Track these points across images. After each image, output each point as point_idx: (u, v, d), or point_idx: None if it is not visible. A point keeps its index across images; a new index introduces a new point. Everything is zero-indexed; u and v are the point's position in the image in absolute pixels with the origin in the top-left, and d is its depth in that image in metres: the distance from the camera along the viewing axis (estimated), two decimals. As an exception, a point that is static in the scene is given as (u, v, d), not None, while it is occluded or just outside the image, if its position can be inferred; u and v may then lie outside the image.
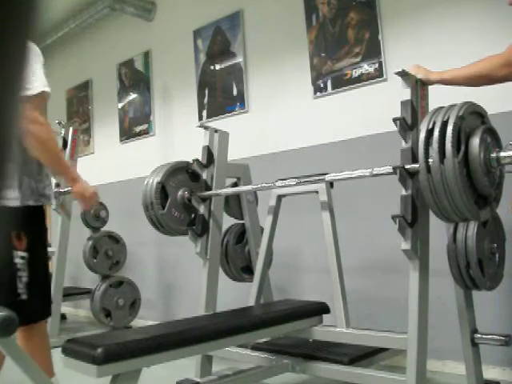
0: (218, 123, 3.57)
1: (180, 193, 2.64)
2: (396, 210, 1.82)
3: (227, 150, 2.68)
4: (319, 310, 2.31)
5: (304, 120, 3.32)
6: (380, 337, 2.07)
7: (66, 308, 5.00)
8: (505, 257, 2.10)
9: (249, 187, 2.56)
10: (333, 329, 2.23)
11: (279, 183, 2.33)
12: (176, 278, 4.15)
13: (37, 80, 1.70)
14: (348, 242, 2.72)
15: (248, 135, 3.62)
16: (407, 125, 1.83)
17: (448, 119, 1.63)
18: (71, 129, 3.98)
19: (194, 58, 4.07)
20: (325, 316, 2.32)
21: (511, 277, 2.25)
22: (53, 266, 3.84)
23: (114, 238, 4.13)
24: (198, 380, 2.27)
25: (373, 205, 2.88)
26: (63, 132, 4.04)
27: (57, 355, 1.77)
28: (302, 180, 2.26)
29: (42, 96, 1.73)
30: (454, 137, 1.60)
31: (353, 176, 2.01)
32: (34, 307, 1.76)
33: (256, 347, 2.41)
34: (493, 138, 1.71)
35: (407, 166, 1.78)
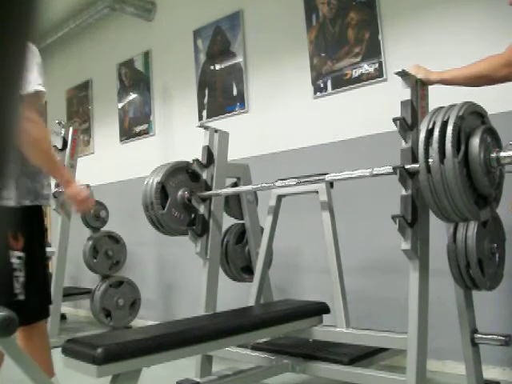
0: (218, 123, 3.57)
1: (180, 193, 2.64)
2: (396, 209, 1.82)
3: (227, 150, 2.68)
4: (319, 309, 2.31)
5: (304, 120, 3.32)
6: (380, 337, 2.07)
7: (66, 308, 5.00)
8: (505, 257, 2.10)
9: (249, 187, 2.56)
10: (333, 329, 2.23)
11: (279, 183, 2.33)
12: (176, 278, 4.15)
13: (32, 79, 1.69)
14: (348, 242, 2.72)
15: (248, 135, 3.62)
16: (407, 125, 1.83)
17: (448, 119, 1.63)
18: (71, 129, 3.98)
19: (194, 58, 4.07)
20: (325, 316, 2.32)
21: (511, 277, 2.25)
22: (53, 265, 3.85)
23: (114, 238, 4.13)
24: (198, 380, 2.27)
25: (373, 205, 2.88)
26: (63, 132, 4.04)
27: (57, 355, 1.77)
28: (302, 180, 2.26)
29: (37, 95, 1.70)
30: (454, 137, 1.60)
31: (353, 176, 2.01)
32: (31, 307, 1.75)
33: (256, 347, 2.41)
34: (493, 138, 1.71)
35: (407, 166, 1.78)
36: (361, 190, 2.87)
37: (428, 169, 1.63)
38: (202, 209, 2.55)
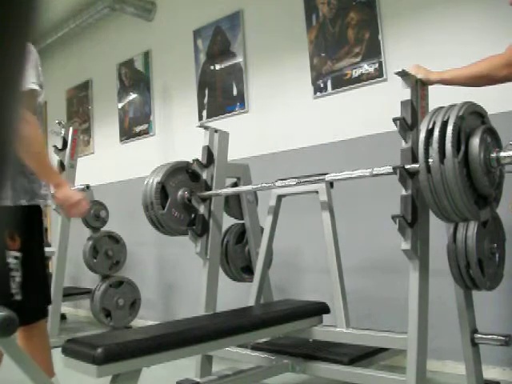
0: (218, 123, 3.57)
1: (180, 193, 2.65)
2: (396, 209, 1.82)
3: (227, 150, 2.68)
4: (319, 309, 2.31)
5: (304, 120, 3.32)
6: (380, 337, 2.07)
7: (66, 308, 5.00)
8: (505, 257, 2.10)
9: (249, 187, 2.56)
10: (333, 329, 2.23)
11: (279, 183, 2.33)
12: (176, 278, 4.15)
13: (26, 77, 1.67)
14: (348, 242, 2.72)
15: (248, 135, 3.62)
16: (407, 125, 1.83)
17: (448, 119, 1.63)
18: (71, 129, 3.98)
19: (194, 58, 4.07)
20: (325, 316, 2.32)
21: (511, 277, 2.25)
22: (53, 265, 3.85)
23: (114, 238, 4.13)
24: (198, 380, 2.27)
25: (373, 205, 2.88)
26: (63, 132, 4.04)
27: (57, 355, 1.77)
28: (302, 180, 2.26)
29: (31, 94, 1.68)
30: (454, 137, 1.60)
31: (353, 176, 2.01)
32: (29, 307, 1.75)
33: (256, 347, 2.41)
34: (493, 138, 1.71)
35: (407, 166, 1.78)
36: (361, 190, 2.87)
37: (428, 169, 1.63)
38: (202, 209, 2.55)
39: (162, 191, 2.60)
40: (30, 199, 1.78)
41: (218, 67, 3.89)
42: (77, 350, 1.61)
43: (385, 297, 2.84)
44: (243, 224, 2.89)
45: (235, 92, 3.74)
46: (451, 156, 1.58)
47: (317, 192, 2.38)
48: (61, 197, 1.81)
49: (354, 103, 3.07)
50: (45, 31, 5.01)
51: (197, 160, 2.60)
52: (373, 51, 2.97)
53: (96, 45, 5.10)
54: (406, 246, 1.78)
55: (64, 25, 4.86)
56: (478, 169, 1.62)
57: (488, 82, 1.82)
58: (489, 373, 2.37)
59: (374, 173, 1.92)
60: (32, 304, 1.77)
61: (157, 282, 4.34)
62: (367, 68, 2.99)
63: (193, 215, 2.66)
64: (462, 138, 1.62)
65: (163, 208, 2.59)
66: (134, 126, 4.67)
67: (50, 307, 2.00)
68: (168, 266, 4.24)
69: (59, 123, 4.12)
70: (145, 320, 4.21)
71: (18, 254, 1.72)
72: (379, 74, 2.94)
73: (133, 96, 4.69)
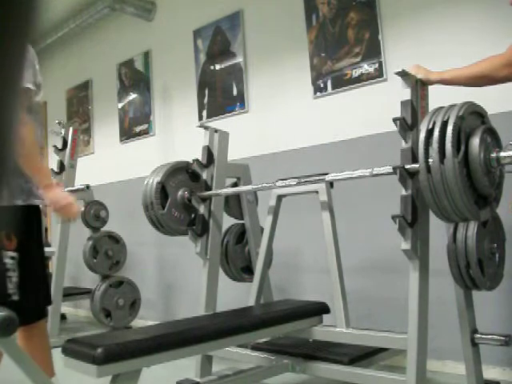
0: (218, 123, 3.57)
1: (180, 193, 2.65)
2: (396, 210, 1.82)
3: (227, 150, 2.68)
4: (319, 309, 2.31)
5: (304, 120, 3.32)
6: (380, 337, 2.07)
7: (66, 308, 5.00)
8: (505, 257, 2.10)
9: (249, 187, 2.56)
10: (333, 329, 2.23)
11: (279, 183, 2.33)
12: (176, 278, 4.15)
13: None
14: (348, 242, 2.72)
15: (248, 135, 3.62)
16: (407, 125, 1.83)
17: (448, 119, 1.63)
18: (71, 129, 3.98)
19: (194, 58, 4.07)
20: (325, 316, 2.32)
21: (511, 277, 2.25)
22: (53, 265, 3.85)
23: (114, 238, 4.13)
24: (198, 380, 2.27)
25: (373, 205, 2.88)
26: (63, 132, 4.04)
27: (57, 355, 1.77)
28: (302, 180, 2.26)
29: (25, 92, 1.68)
30: (454, 137, 1.60)
31: (353, 176, 2.01)
32: (26, 308, 1.74)
33: (256, 347, 2.41)
34: (493, 138, 1.71)
35: (407, 166, 1.78)
36: (361, 190, 2.87)
37: (428, 169, 1.63)
38: (202, 209, 2.55)
39: (162, 191, 2.60)
40: (26, 199, 1.77)
41: (217, 67, 3.89)
42: (77, 350, 1.61)
43: (385, 297, 2.84)
44: (243, 224, 2.89)
45: (235, 92, 3.74)
46: (451, 156, 1.58)
47: (317, 192, 2.38)
48: (49, 198, 1.78)
49: (354, 103, 3.07)
50: (45, 31, 5.00)
51: (197, 160, 2.60)
52: (373, 51, 2.97)
53: (96, 45, 5.10)
54: (406, 245, 1.78)
55: (64, 25, 4.86)
56: (478, 169, 1.62)
57: (488, 82, 1.82)
58: (489, 373, 2.37)
59: (374, 173, 1.92)
60: (31, 304, 1.77)
61: (157, 282, 4.34)
62: (367, 68, 2.99)
63: (193, 215, 2.66)
64: (461, 138, 1.62)
65: (163, 208, 2.59)
66: (133, 126, 4.67)
67: (49, 307, 2.00)
68: (168, 266, 4.24)
69: (59, 123, 4.12)
70: (145, 320, 4.21)
71: (14, 254, 1.72)
72: (379, 74, 2.94)
73: (133, 96, 4.69)
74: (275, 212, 2.59)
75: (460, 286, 2.04)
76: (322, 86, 3.22)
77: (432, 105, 1.86)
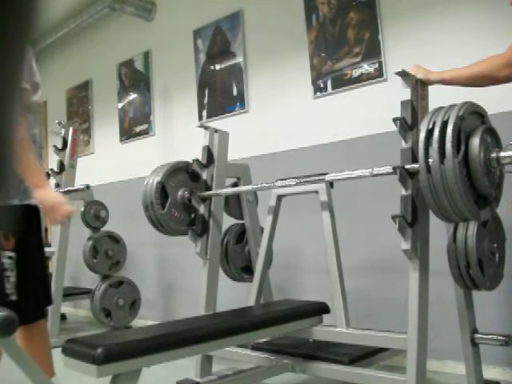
0: (218, 123, 3.57)
1: (180, 193, 2.64)
2: (396, 210, 1.82)
3: (227, 150, 2.68)
4: (319, 309, 2.31)
5: (304, 120, 3.32)
6: (380, 337, 2.07)
7: (66, 308, 5.00)
8: (505, 257, 2.10)
9: (249, 187, 2.56)
10: (333, 329, 2.23)
11: (279, 183, 2.33)
12: (176, 278, 4.15)
13: None
14: (348, 242, 2.72)
15: (248, 135, 3.62)
16: (407, 125, 1.83)
17: (448, 119, 1.63)
18: (71, 129, 3.98)
19: (194, 58, 4.07)
20: (325, 316, 2.32)
21: (511, 277, 2.25)
22: (53, 265, 3.85)
23: (114, 238, 4.13)
24: (198, 380, 2.27)
25: (373, 205, 2.88)
26: (63, 132, 4.04)
27: (57, 355, 1.77)
28: (302, 180, 2.26)
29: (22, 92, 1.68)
30: (454, 137, 1.60)
31: (353, 176, 2.01)
32: (25, 308, 1.74)
33: (256, 347, 2.41)
34: (493, 138, 1.71)
35: (407, 166, 1.78)
36: (361, 189, 2.87)
37: (428, 169, 1.63)
38: (202, 209, 2.55)
39: (162, 191, 2.60)
40: (23, 199, 1.76)
41: (217, 67, 3.89)
42: (77, 350, 1.62)
43: (385, 297, 2.84)
44: (243, 224, 2.89)
45: (235, 92, 3.74)
46: (451, 156, 1.58)
47: (317, 192, 2.38)
48: (39, 198, 1.73)
49: (354, 103, 3.07)
50: (45, 31, 5.00)
51: (197, 160, 2.60)
52: (373, 51, 2.97)
53: (96, 45, 5.09)
54: (405, 245, 1.78)
55: (64, 25, 4.86)
56: (478, 169, 1.62)
57: (488, 82, 1.82)
58: (489, 373, 2.37)
59: (374, 173, 1.92)
60: (30, 304, 1.77)
61: (157, 282, 4.34)
62: (367, 68, 2.99)
63: (193, 215, 2.66)
64: (461, 138, 1.62)
65: (163, 208, 2.59)
66: (134, 126, 4.67)
67: (49, 307, 2.00)
68: (168, 266, 4.24)
69: (59, 123, 4.12)
70: (145, 320, 4.21)
71: (12, 254, 1.72)
72: (379, 74, 2.94)
73: (133, 96, 4.69)
74: (275, 212, 2.59)
75: (460, 286, 2.04)
76: (321, 85, 3.22)
77: (432, 105, 1.86)
